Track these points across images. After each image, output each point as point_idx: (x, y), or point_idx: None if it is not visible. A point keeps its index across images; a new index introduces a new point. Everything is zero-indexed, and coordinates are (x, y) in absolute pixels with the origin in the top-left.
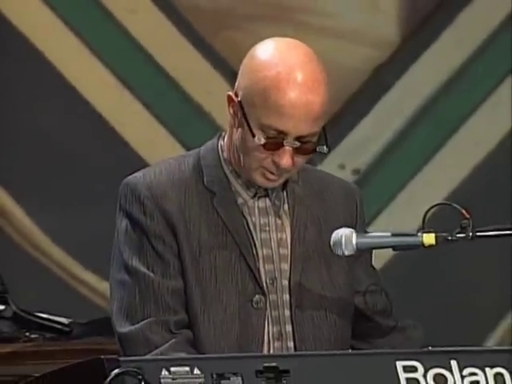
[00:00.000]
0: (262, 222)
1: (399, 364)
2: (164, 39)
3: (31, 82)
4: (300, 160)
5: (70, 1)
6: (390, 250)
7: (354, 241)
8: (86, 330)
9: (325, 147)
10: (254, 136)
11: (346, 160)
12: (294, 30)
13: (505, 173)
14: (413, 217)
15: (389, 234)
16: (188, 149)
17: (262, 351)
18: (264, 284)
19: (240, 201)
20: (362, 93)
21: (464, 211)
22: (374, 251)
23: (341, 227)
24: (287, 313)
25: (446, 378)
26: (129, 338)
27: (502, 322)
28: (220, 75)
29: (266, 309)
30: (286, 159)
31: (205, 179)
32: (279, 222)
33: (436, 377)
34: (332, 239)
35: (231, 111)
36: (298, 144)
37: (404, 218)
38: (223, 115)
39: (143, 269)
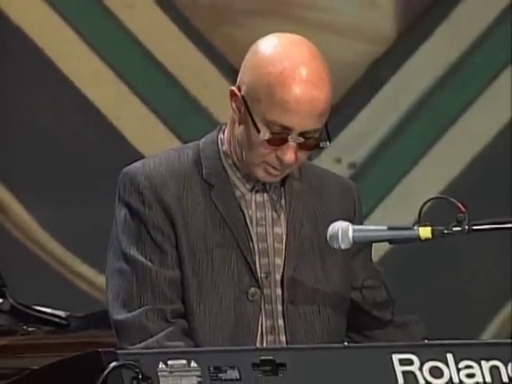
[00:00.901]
0: (258, 215)
1: (395, 357)
2: (162, 34)
3: (29, 78)
4: (302, 155)
5: None
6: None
7: (350, 234)
8: (83, 323)
9: (327, 143)
10: (259, 131)
11: (343, 154)
12: (292, 25)
13: (501, 166)
14: (409, 210)
15: (385, 227)
16: (184, 143)
17: (255, 344)
18: (259, 277)
19: (238, 194)
20: (358, 87)
21: (460, 205)
22: (373, 247)
23: None
24: (279, 307)
25: (441, 371)
26: (125, 325)
27: (499, 314)
28: (218, 70)
29: (261, 302)
30: (289, 155)
31: (203, 171)
32: (275, 216)
33: (432, 370)
34: (328, 232)
35: (233, 106)
36: (301, 140)
37: (400, 212)
38: (221, 110)
39: (141, 258)
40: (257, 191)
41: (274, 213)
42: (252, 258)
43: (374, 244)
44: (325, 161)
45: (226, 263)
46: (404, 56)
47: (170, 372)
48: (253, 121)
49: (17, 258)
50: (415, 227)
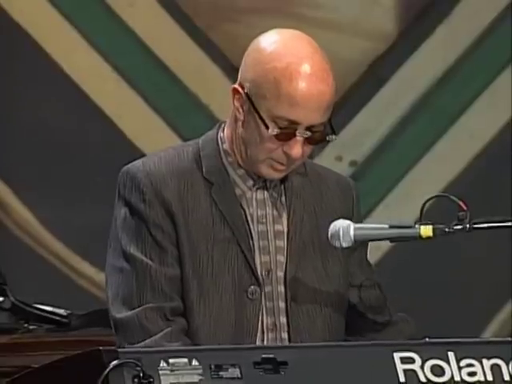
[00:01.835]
0: (259, 213)
1: (397, 355)
2: (163, 32)
3: (30, 76)
4: (308, 150)
5: None
6: (387, 241)
7: (351, 232)
8: (84, 321)
9: (333, 136)
10: (267, 127)
11: (344, 152)
12: (293, 23)
13: (502, 165)
14: (410, 209)
15: (386, 225)
16: (185, 141)
17: (256, 342)
18: (259, 275)
19: (238, 192)
20: (359, 85)
21: (461, 203)
22: (369, 246)
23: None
24: (282, 305)
25: (443, 370)
26: (124, 323)
27: (500, 312)
28: (218, 68)
29: (261, 300)
30: (297, 149)
31: (204, 169)
32: (276, 214)
33: (433, 368)
34: (330, 231)
35: (236, 104)
36: (308, 134)
37: (401, 210)
38: (221, 107)
39: (141, 256)
40: (257, 189)
41: (274, 210)
42: (252, 256)
43: (375, 242)
44: (326, 159)
45: (226, 261)
46: (405, 54)
47: (172, 370)
48: (260, 117)
49: (17, 256)
50: (416, 226)
